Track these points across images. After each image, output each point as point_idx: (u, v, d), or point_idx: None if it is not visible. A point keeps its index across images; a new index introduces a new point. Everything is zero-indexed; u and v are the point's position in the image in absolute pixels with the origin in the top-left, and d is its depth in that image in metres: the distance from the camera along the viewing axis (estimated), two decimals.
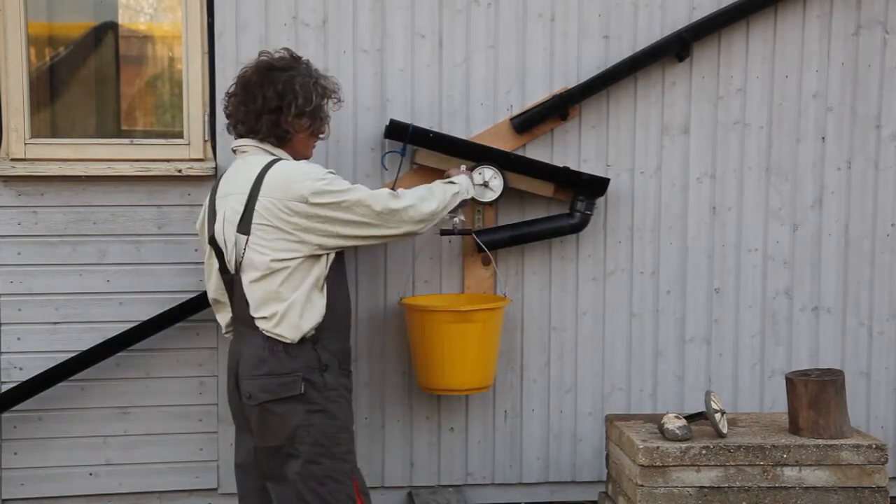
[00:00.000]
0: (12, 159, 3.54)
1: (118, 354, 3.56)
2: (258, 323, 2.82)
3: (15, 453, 3.61)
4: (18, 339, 3.58)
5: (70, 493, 3.65)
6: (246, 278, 2.84)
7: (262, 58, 2.97)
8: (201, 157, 3.60)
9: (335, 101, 3.05)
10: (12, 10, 3.52)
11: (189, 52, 3.60)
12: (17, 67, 3.53)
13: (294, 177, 2.81)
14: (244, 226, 2.81)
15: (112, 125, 3.93)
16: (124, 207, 3.60)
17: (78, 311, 3.60)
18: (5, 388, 3.55)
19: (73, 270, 3.59)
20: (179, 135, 3.65)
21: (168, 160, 3.59)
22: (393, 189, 3.59)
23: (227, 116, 2.98)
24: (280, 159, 2.89)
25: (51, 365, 3.51)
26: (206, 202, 3.01)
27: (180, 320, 3.56)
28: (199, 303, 3.47)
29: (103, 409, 3.64)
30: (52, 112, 3.80)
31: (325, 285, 2.86)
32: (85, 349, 3.53)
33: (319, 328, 2.83)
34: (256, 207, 2.79)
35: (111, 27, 3.87)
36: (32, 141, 3.57)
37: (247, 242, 2.81)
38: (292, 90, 2.89)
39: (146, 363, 3.64)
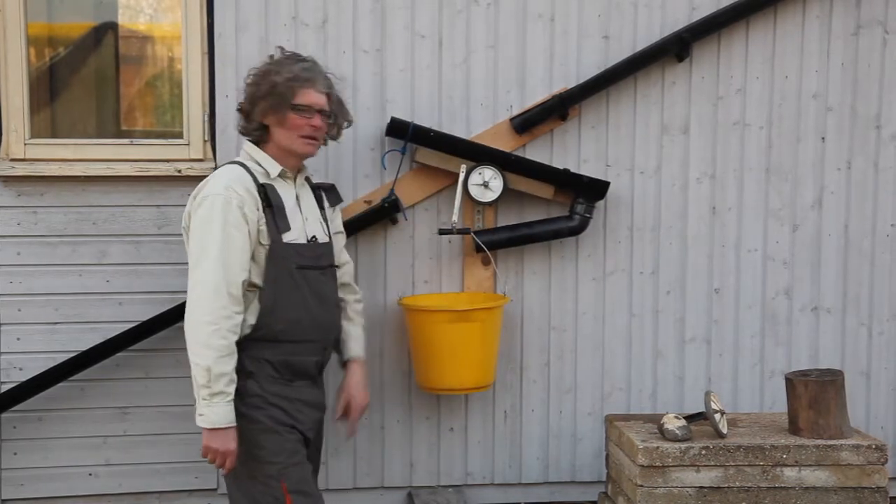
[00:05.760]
0: (12, 159, 3.55)
1: (118, 354, 3.56)
2: None
3: (15, 453, 3.61)
4: (18, 339, 3.58)
5: (70, 494, 3.65)
6: None
7: None
8: (201, 157, 3.60)
9: (299, 85, 2.81)
10: (12, 11, 3.52)
11: (189, 53, 3.60)
12: (17, 68, 3.53)
13: (199, 189, 2.78)
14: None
15: (112, 125, 3.93)
16: (124, 208, 3.60)
17: (78, 311, 3.60)
18: (5, 388, 3.55)
19: (73, 270, 3.59)
20: (179, 135, 3.65)
21: (168, 160, 3.59)
22: (392, 189, 3.62)
23: None
24: (229, 164, 2.86)
25: (51, 365, 3.52)
26: None
27: (180, 320, 3.55)
28: None
29: (103, 410, 3.64)
30: (52, 112, 3.80)
31: (258, 297, 2.76)
32: (85, 349, 3.53)
33: (247, 338, 2.75)
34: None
35: (111, 27, 3.86)
36: (32, 141, 3.57)
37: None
38: (246, 84, 2.89)
39: (146, 363, 3.64)
